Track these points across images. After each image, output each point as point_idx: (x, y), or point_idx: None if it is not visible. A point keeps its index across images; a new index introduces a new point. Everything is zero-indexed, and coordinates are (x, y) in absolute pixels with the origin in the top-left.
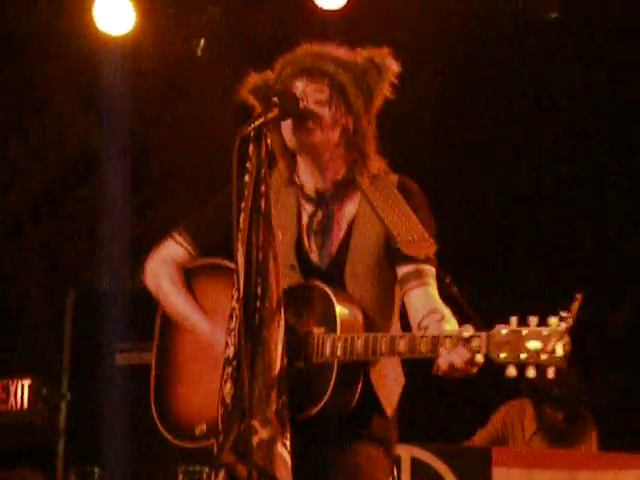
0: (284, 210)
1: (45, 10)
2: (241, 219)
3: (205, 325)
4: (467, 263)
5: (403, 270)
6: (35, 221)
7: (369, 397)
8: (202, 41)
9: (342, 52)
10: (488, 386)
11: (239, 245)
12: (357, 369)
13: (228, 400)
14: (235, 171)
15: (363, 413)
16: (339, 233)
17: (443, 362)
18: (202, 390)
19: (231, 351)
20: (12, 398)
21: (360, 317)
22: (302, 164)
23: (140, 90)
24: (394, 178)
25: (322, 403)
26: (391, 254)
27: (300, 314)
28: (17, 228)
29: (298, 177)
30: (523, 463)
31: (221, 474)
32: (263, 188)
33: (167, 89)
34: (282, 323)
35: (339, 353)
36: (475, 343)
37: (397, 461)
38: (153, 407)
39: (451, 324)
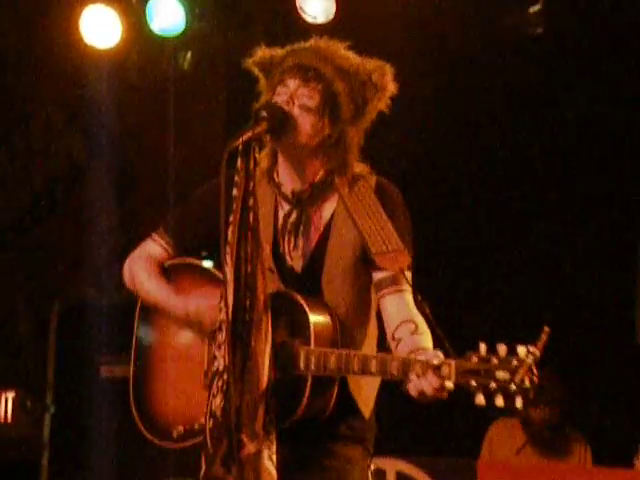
0: (262, 205)
1: (31, 23)
2: (229, 232)
3: (179, 302)
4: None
5: (378, 275)
6: (20, 234)
7: (346, 402)
8: (188, 55)
9: (350, 56)
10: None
11: (228, 258)
12: (331, 379)
13: (218, 413)
14: (223, 184)
15: (341, 418)
16: (315, 235)
17: (413, 388)
18: (179, 392)
19: (220, 364)
20: None
21: (335, 326)
22: (281, 163)
23: (126, 103)
24: (373, 180)
25: (296, 416)
26: (367, 259)
27: (275, 323)
28: (2, 241)
29: (277, 175)
30: (508, 477)
31: None
32: (251, 201)
33: (153, 103)
34: (269, 336)
35: (313, 368)
36: (445, 370)
37: (382, 475)
38: (133, 406)
39: (424, 336)
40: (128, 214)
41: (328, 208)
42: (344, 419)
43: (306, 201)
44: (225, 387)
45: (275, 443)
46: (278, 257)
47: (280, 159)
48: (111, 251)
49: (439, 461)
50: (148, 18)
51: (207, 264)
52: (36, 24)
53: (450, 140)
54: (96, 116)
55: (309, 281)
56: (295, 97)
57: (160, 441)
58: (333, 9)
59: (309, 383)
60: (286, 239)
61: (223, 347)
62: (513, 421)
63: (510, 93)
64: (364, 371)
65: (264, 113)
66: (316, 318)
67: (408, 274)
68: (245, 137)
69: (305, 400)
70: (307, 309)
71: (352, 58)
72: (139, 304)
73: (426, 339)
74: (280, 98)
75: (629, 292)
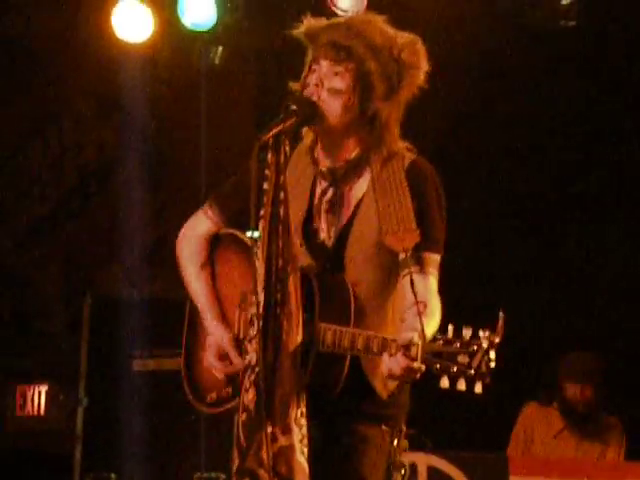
0: (299, 185)
1: (64, 18)
2: (260, 226)
3: (205, 313)
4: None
5: (402, 255)
6: (53, 227)
7: (361, 383)
8: (220, 49)
9: (384, 31)
10: (505, 391)
11: (259, 252)
12: (338, 357)
13: (251, 407)
14: (254, 178)
15: (357, 397)
16: (347, 212)
17: (384, 367)
18: None
19: (253, 358)
20: (29, 404)
21: (344, 305)
22: (319, 141)
23: (157, 97)
24: (409, 159)
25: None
26: None
27: None
28: (36, 234)
29: (317, 151)
30: (540, 472)
31: None
32: (282, 195)
33: (184, 97)
34: (301, 330)
35: (314, 342)
36: (413, 351)
37: (414, 470)
38: (182, 369)
39: (427, 319)
40: (160, 208)
41: (361, 186)
42: (360, 398)
43: (341, 178)
44: (257, 381)
45: (307, 436)
46: (311, 232)
47: (319, 139)
48: (144, 245)
49: (470, 456)
50: (180, 12)
51: (256, 235)
52: (69, 19)
53: (475, 134)
54: (128, 110)
55: (336, 257)
56: (325, 79)
57: (196, 403)
58: (364, 4)
59: (312, 358)
60: (321, 215)
61: (255, 341)
62: (543, 405)
63: (541, 86)
64: (352, 348)
65: (294, 107)
66: (325, 295)
67: (433, 256)
68: (275, 131)
69: (308, 372)
70: (315, 285)
71: (386, 34)
72: None
73: (428, 322)
74: (310, 80)
75: None
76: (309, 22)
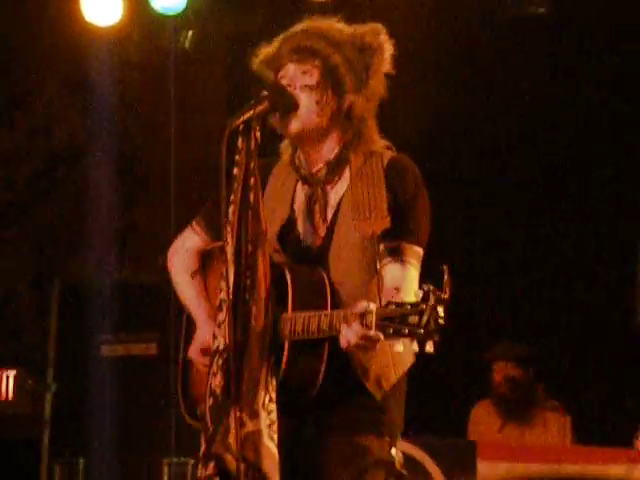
0: (279, 196)
1: (32, 1)
2: (230, 212)
3: (197, 315)
4: None
5: (382, 246)
6: (21, 213)
7: (353, 382)
8: (189, 33)
9: (341, 28)
10: (473, 375)
11: (229, 238)
12: (314, 350)
13: (218, 392)
14: (223, 164)
15: (349, 398)
16: (330, 213)
17: (342, 339)
18: (204, 372)
19: (221, 343)
20: None
21: (324, 295)
22: (300, 149)
23: (127, 82)
24: (388, 157)
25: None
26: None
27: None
28: (3, 220)
29: (298, 159)
30: (508, 457)
31: (211, 465)
32: (252, 181)
33: (154, 81)
34: (270, 316)
35: (286, 332)
36: (368, 319)
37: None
38: (178, 384)
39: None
40: (129, 193)
41: (342, 185)
42: (353, 399)
43: (323, 180)
44: (225, 366)
45: (276, 422)
46: (291, 237)
47: (299, 146)
48: (112, 230)
49: (439, 441)
50: None
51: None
52: (37, 2)
53: (448, 123)
54: (97, 94)
55: (320, 258)
56: (296, 79)
57: (188, 416)
58: None
59: (286, 349)
60: (308, 219)
61: (223, 326)
62: (490, 402)
63: (512, 73)
64: (320, 329)
65: (265, 92)
66: (297, 288)
67: (413, 247)
68: (246, 116)
69: (283, 368)
70: (288, 279)
71: (344, 28)
72: None
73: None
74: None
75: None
76: (263, 49)
